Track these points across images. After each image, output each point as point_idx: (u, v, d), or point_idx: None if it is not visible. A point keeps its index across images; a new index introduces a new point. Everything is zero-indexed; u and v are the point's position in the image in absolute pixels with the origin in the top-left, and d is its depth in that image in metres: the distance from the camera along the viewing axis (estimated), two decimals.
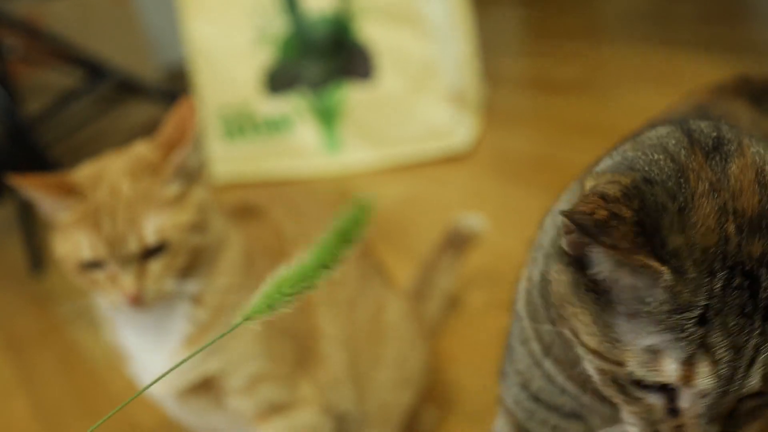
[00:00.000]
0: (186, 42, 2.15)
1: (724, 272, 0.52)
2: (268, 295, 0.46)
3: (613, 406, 0.61)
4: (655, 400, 0.56)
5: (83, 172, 0.92)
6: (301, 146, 2.16)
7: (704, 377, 0.53)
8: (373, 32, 2.07)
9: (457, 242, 1.38)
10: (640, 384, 0.56)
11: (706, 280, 0.52)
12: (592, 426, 0.71)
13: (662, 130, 0.61)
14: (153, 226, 0.87)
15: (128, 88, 2.48)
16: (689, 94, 0.83)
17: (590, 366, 0.59)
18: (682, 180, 0.55)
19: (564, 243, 0.58)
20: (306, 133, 2.15)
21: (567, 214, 0.54)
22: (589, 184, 0.58)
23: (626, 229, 0.52)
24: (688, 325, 0.52)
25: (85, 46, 2.40)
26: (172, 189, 0.90)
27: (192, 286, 0.92)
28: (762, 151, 0.57)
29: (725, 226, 0.53)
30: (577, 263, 0.57)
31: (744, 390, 0.53)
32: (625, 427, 0.60)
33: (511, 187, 1.88)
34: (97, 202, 0.88)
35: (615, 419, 0.62)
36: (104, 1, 2.78)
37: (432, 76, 2.06)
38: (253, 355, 0.95)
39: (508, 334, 0.76)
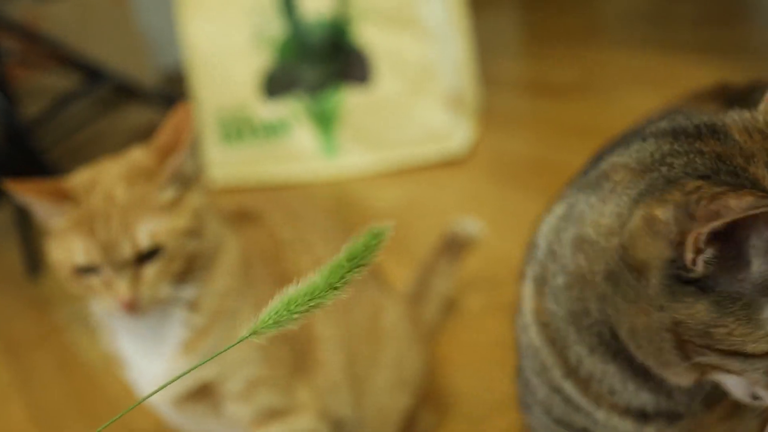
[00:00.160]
0: (184, 45, 2.15)
1: None
2: (276, 312, 0.48)
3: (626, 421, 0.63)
4: None
5: (78, 178, 0.92)
6: (298, 150, 2.16)
7: None
8: (370, 36, 2.07)
9: (455, 246, 1.38)
10: None
11: None
12: None
13: (650, 144, 0.62)
14: (147, 231, 0.87)
15: (126, 92, 2.48)
16: (670, 101, 0.83)
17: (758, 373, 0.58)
18: (726, 162, 0.57)
19: (698, 265, 0.55)
20: (303, 137, 2.15)
21: (720, 217, 0.52)
22: (664, 211, 0.56)
23: None
24: None
25: (82, 49, 2.40)
26: (168, 194, 0.90)
27: (188, 291, 0.92)
28: (737, 116, 0.60)
29: None
30: (707, 282, 0.56)
31: None
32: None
33: (509, 190, 1.88)
34: (91, 208, 0.87)
35: None
36: (102, 4, 2.78)
37: (430, 79, 2.06)
38: (250, 360, 0.95)
39: (519, 369, 0.76)
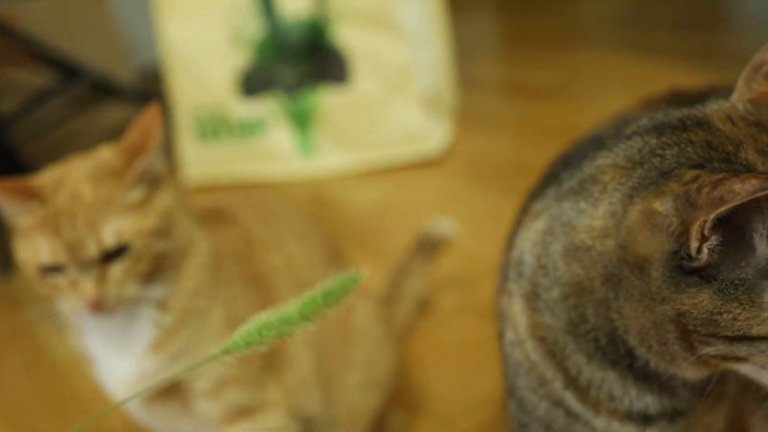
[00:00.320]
0: (161, 43, 2.14)
1: None
2: (248, 334, 0.51)
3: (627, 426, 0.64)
4: None
5: (45, 177, 0.91)
6: (275, 150, 2.15)
7: None
8: (348, 36, 2.07)
9: (428, 246, 1.39)
10: None
11: None
12: None
13: (636, 141, 0.62)
14: (113, 230, 0.86)
15: (102, 89, 2.47)
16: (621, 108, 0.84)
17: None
18: (718, 149, 0.57)
19: (703, 253, 0.55)
20: (280, 136, 2.15)
21: (723, 204, 0.53)
22: (662, 203, 0.56)
23: None
24: None
25: (60, 47, 2.38)
26: (135, 194, 0.90)
27: (157, 291, 0.91)
28: (716, 105, 0.60)
29: None
30: (710, 271, 0.56)
31: None
32: None
33: (485, 191, 1.89)
34: (57, 206, 0.87)
35: None
36: (80, 2, 2.76)
37: (407, 80, 2.07)
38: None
39: (510, 390, 0.75)
